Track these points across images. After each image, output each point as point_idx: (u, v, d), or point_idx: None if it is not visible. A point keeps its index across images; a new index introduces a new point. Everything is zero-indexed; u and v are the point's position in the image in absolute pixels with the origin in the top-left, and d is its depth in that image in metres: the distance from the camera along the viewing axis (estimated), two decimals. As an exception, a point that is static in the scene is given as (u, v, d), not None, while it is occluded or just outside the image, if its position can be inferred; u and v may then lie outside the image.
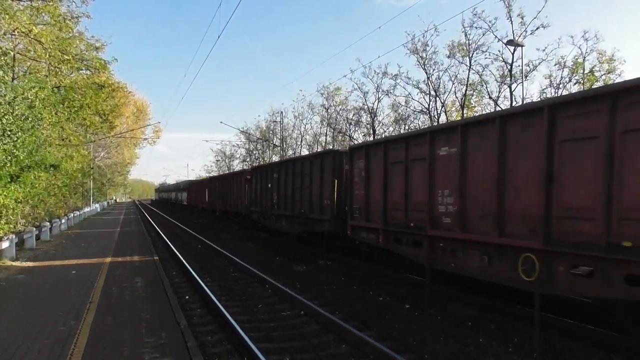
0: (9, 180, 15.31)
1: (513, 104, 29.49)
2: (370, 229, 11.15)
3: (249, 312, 9.16)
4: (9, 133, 14.38)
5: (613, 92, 5.89)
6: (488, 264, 7.52)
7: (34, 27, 18.49)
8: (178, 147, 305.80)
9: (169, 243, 19.71)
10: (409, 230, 9.62)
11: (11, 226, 17.36)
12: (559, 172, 6.39)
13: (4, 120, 14.07)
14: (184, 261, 14.44)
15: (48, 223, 21.80)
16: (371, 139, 37.43)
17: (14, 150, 14.66)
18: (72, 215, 30.82)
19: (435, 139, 8.87)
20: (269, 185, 19.11)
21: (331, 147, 44.00)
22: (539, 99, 29.35)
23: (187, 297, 10.43)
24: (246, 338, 6.90)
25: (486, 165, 7.58)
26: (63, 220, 26.68)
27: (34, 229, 18.85)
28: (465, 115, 33.86)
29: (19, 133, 14.92)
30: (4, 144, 14.19)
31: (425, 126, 34.55)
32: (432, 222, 8.83)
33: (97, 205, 53.26)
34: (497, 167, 7.33)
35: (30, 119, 16.18)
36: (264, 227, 21.45)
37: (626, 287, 5.57)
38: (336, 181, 13.42)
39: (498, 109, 31.30)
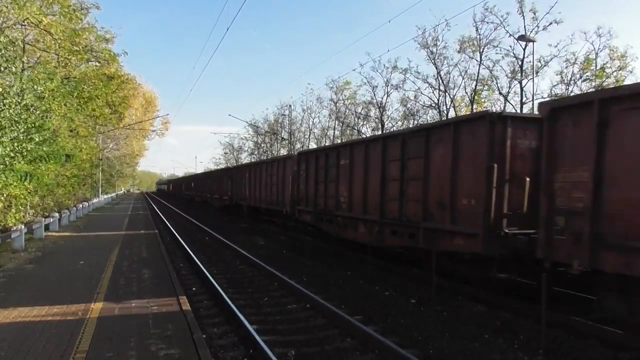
0: (23, 175, 15.40)
1: (523, 100, 29.32)
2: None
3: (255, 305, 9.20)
4: (17, 126, 14.43)
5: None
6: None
7: (43, 18, 18.55)
8: (187, 140, 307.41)
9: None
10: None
11: (22, 215, 17.51)
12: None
13: (12, 111, 14.12)
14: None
15: (57, 214, 21.94)
16: (378, 133, 37.34)
17: (23, 142, 14.74)
18: (80, 206, 31.02)
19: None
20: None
21: (339, 141, 43.73)
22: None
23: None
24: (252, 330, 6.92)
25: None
26: (72, 211, 26.85)
27: (43, 219, 18.98)
28: (475, 110, 33.69)
29: (28, 124, 14.98)
30: (13, 137, 14.23)
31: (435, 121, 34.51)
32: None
33: (104, 196, 53.54)
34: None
35: (39, 110, 16.27)
36: None
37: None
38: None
39: (508, 105, 31.16)
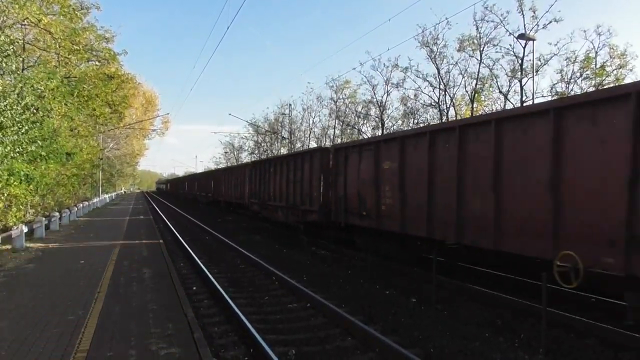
0: (24, 177, 15.35)
1: (523, 99, 29.31)
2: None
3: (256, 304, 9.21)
4: (18, 126, 14.36)
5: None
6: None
7: (43, 17, 18.52)
8: (187, 139, 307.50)
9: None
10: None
11: (22, 214, 17.52)
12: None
13: (12, 111, 14.07)
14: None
15: (57, 213, 21.95)
16: (380, 132, 37.57)
17: (23, 143, 14.69)
18: (81, 205, 31.03)
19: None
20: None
21: (340, 140, 44.20)
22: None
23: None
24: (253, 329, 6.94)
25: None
26: (73, 211, 26.85)
27: (44, 218, 18.99)
28: (475, 109, 33.70)
29: (29, 124, 14.93)
30: (14, 138, 14.15)
31: (435, 121, 34.68)
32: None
33: (105, 196, 53.61)
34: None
35: (39, 110, 16.21)
36: None
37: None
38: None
39: (508, 103, 31.17)
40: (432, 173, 9.76)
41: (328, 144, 42.54)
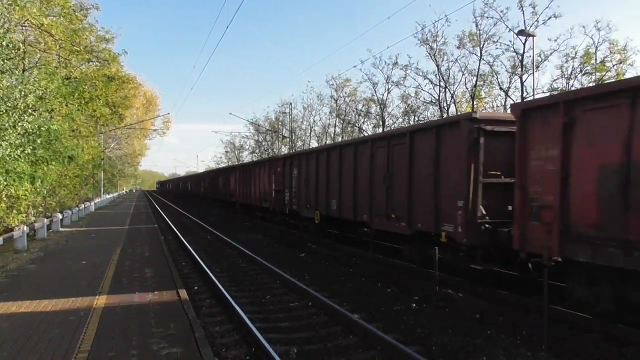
0: (26, 177, 15.30)
1: (524, 95, 29.26)
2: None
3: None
4: (17, 127, 14.30)
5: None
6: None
7: (44, 19, 18.50)
8: (188, 138, 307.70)
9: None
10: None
11: (24, 215, 17.53)
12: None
13: (12, 111, 13.98)
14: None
15: (59, 214, 21.97)
16: (379, 130, 37.58)
17: (25, 145, 14.63)
18: (82, 206, 31.05)
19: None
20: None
21: (340, 138, 44.10)
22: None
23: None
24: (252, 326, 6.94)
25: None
26: (74, 211, 26.86)
27: (45, 219, 19.00)
28: (475, 106, 33.68)
29: (27, 123, 14.83)
30: (14, 141, 14.06)
31: (435, 117, 34.64)
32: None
33: (107, 196, 53.60)
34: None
35: (43, 113, 16.17)
36: None
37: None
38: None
39: (509, 99, 31.13)
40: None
41: (329, 142, 42.71)
